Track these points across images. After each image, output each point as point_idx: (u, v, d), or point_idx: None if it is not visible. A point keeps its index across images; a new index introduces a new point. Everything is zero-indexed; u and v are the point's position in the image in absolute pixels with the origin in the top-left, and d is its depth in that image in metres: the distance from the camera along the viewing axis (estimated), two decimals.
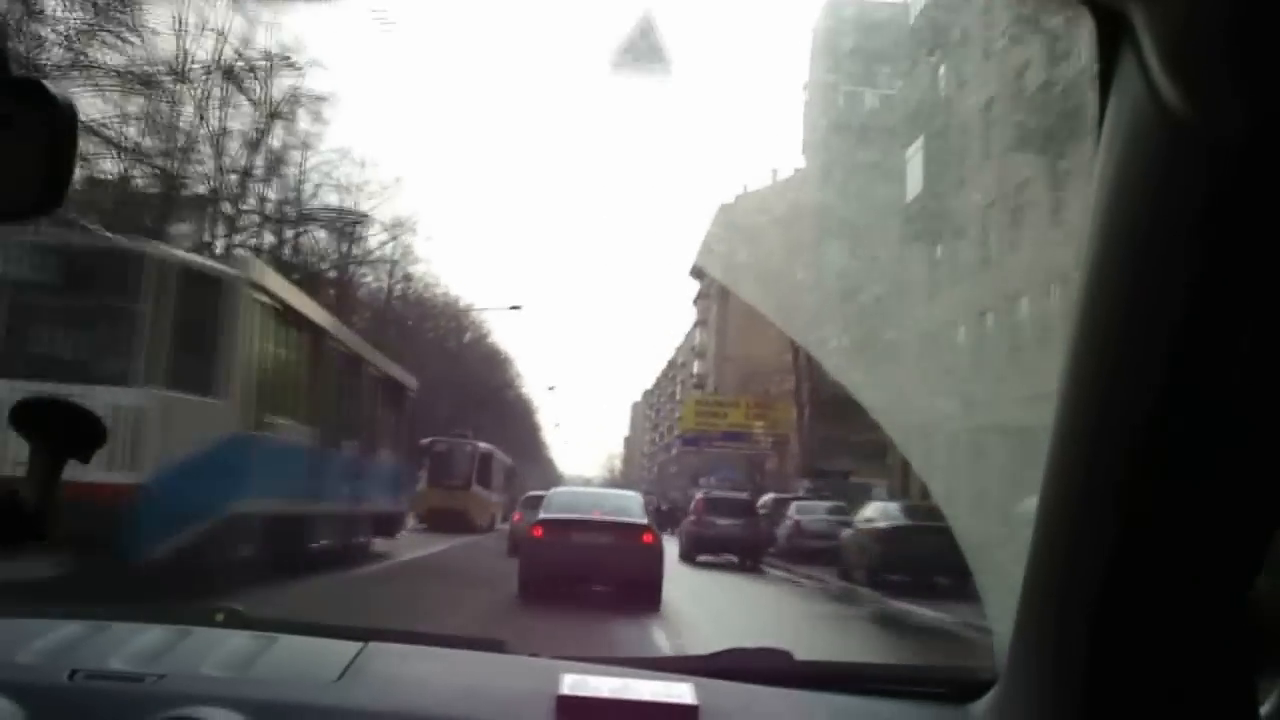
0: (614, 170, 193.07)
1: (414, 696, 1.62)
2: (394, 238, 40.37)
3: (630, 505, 15.21)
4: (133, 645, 1.67)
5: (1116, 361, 1.02)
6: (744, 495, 29.70)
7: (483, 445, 38.72)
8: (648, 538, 13.97)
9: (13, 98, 1.16)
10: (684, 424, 53.50)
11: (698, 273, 62.26)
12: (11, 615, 1.91)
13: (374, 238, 41.03)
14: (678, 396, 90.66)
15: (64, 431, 1.36)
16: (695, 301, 78.85)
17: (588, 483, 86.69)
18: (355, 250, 40.67)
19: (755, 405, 48.29)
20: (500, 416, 58.32)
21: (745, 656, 1.88)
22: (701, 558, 24.19)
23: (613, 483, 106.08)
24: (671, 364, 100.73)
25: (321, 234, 39.10)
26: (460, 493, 35.55)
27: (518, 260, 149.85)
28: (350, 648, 1.72)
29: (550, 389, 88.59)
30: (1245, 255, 0.89)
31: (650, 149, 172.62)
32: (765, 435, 48.28)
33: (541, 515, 14.47)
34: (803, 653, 1.88)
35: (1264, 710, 1.23)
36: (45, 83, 1.17)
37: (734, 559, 24.55)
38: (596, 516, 14.19)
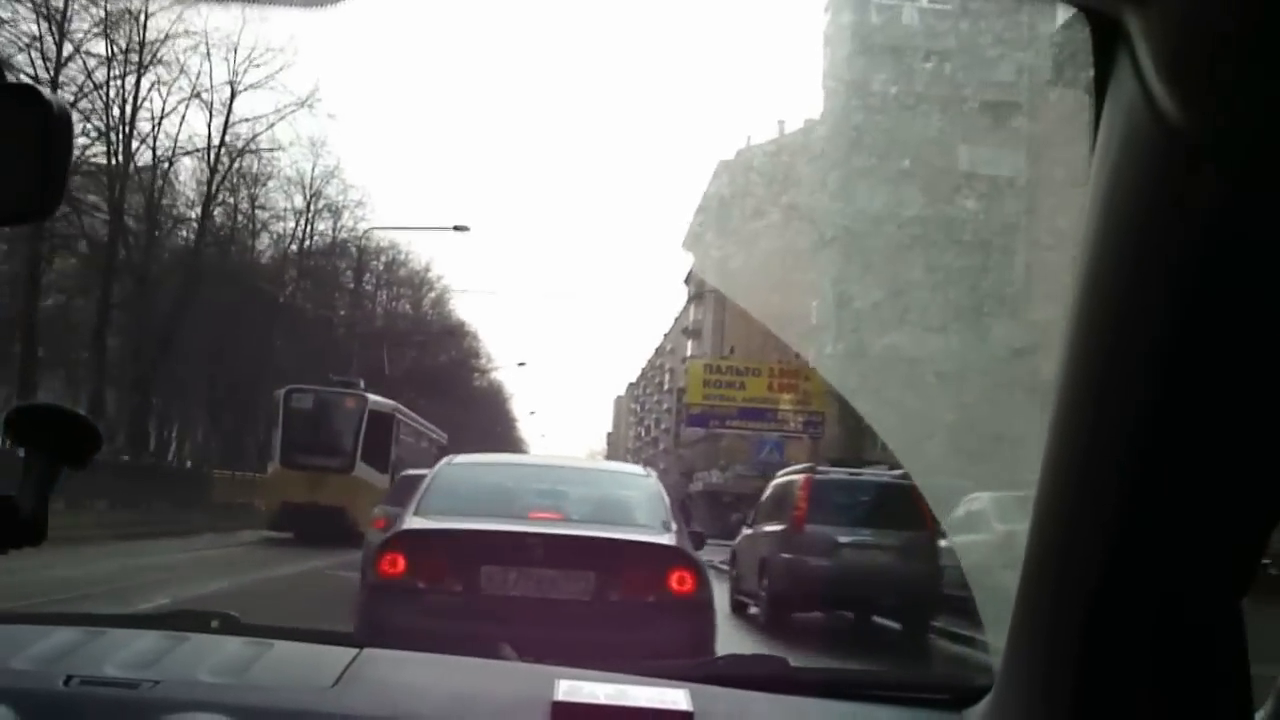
0: (599, 125, 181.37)
1: (409, 702, 1.64)
2: (282, 117, 34.47)
3: (633, 499, 6.63)
4: (128, 651, 1.68)
5: (1110, 369, 1.02)
6: (895, 475, 13.00)
7: (376, 399, 25.29)
8: (682, 578, 5.69)
9: (7, 101, 1.17)
10: (690, 397, 41.03)
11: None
12: (7, 621, 1.92)
13: (260, 120, 34.97)
14: (665, 386, 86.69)
15: (59, 438, 1.37)
16: (688, 278, 70.39)
17: None
18: (228, 137, 34.92)
19: (783, 373, 36.70)
20: (463, 400, 52.96)
21: (741, 663, 1.90)
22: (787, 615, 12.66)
23: None
24: (659, 351, 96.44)
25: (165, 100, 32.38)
26: (336, 478, 22.74)
27: (486, 232, 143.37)
28: (345, 654, 1.73)
29: (520, 364, 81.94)
30: (1239, 262, 0.89)
31: (643, 97, 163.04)
32: (795, 413, 36.75)
33: (408, 521, 6.10)
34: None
35: (1259, 715, 1.24)
36: (39, 87, 1.18)
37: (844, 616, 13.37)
38: (547, 530, 5.92)
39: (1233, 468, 1.00)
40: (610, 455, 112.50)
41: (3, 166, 1.16)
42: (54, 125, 1.16)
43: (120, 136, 31.40)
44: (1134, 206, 0.93)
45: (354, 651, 1.75)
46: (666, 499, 6.63)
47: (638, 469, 8.10)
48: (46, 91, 1.17)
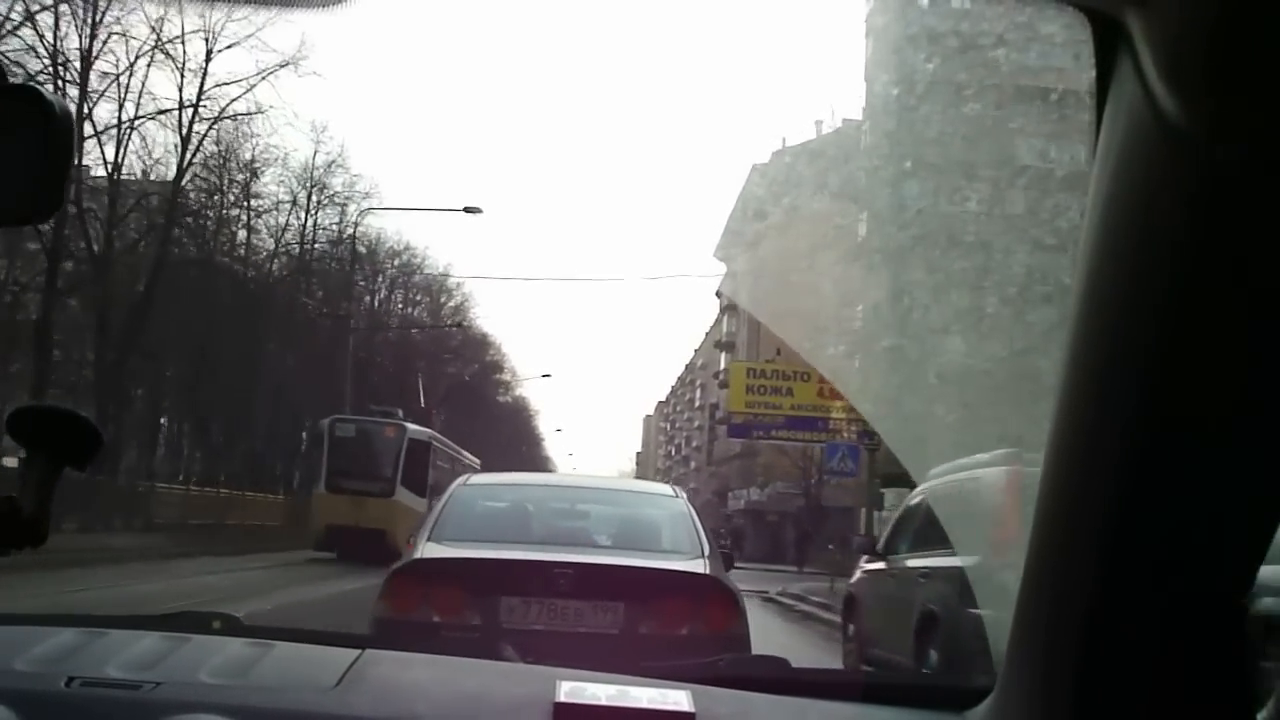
0: (630, 129, 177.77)
1: (411, 703, 1.64)
2: (263, 77, 30.92)
3: (657, 519, 6.33)
4: (130, 652, 1.68)
5: (1112, 370, 1.02)
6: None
7: (415, 429, 27.43)
8: (717, 609, 5.35)
9: (9, 104, 1.17)
10: (731, 404, 36.49)
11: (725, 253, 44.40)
12: (8, 622, 1.93)
13: (241, 82, 31.22)
14: (696, 403, 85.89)
15: (60, 439, 1.38)
16: (720, 289, 61.73)
17: None
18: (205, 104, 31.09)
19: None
20: (488, 416, 51.22)
21: (742, 664, 1.91)
22: None
23: None
24: (690, 367, 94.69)
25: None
26: (377, 502, 24.32)
27: (508, 237, 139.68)
28: (347, 654, 1.74)
29: (545, 376, 73.56)
30: (1241, 263, 0.89)
31: (676, 99, 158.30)
32: (849, 421, 32.52)
33: (419, 550, 5.67)
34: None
35: (1260, 717, 1.23)
36: (41, 89, 1.19)
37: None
38: (570, 552, 5.61)
39: (1234, 468, 1.00)
40: (639, 475, 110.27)
41: (6, 168, 1.17)
42: (55, 126, 1.16)
43: (65, 78, 27.52)
44: (1135, 206, 0.93)
45: (356, 652, 1.75)
46: (698, 521, 6.15)
47: (666, 488, 7.62)
48: (48, 92, 1.18)
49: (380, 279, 46.81)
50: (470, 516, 6.15)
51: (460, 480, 6.92)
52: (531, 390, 70.23)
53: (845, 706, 1.74)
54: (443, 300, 50.40)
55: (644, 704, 1.59)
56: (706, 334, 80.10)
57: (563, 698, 1.58)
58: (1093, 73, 0.97)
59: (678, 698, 1.61)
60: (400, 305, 49.82)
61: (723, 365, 62.32)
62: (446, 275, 49.37)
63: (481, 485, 7.09)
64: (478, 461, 32.28)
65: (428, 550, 5.65)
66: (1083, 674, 1.14)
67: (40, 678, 1.58)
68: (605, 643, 5.06)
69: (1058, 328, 1.12)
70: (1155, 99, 0.84)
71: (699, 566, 5.56)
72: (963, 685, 1.64)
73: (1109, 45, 0.92)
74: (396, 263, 46.61)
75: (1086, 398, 1.06)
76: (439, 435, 29.54)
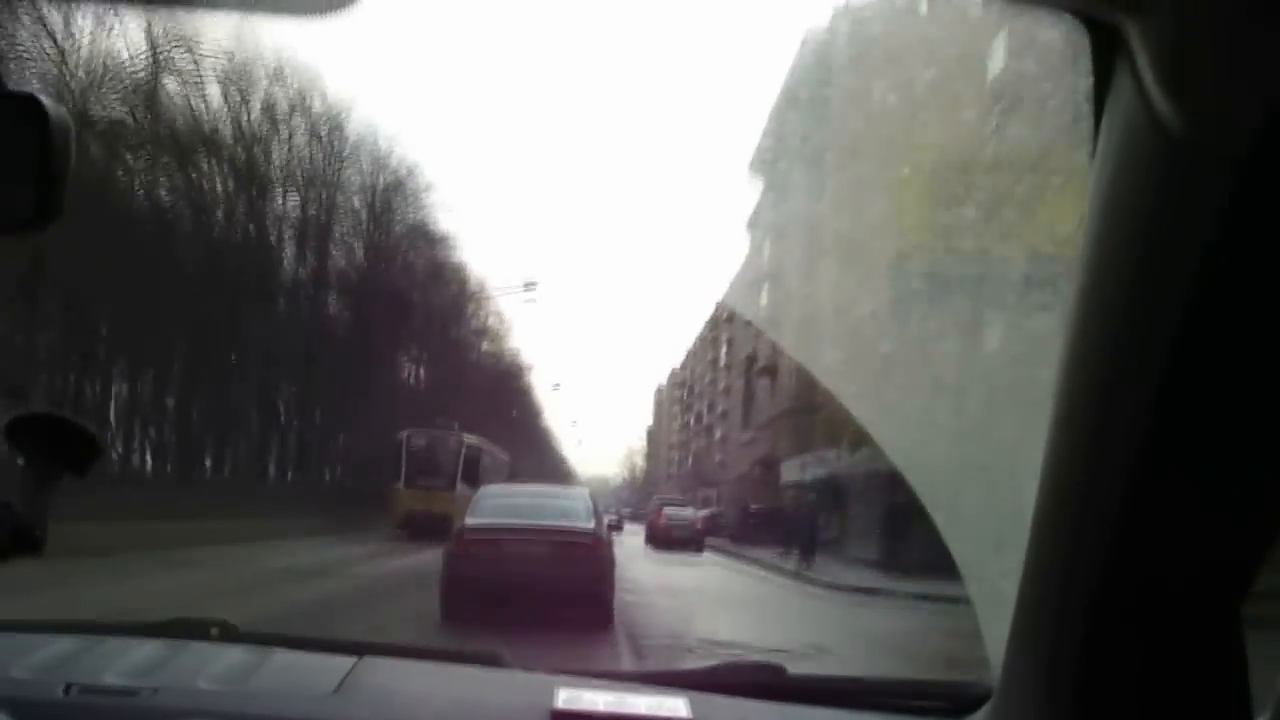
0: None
1: (409, 710, 1.65)
2: None
3: (576, 507, 13.04)
4: (128, 659, 1.70)
5: (1110, 374, 1.02)
6: None
7: (470, 438, 34.64)
8: (596, 547, 12.11)
9: (8, 111, 1.16)
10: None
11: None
12: (7, 629, 1.94)
13: None
14: (723, 362, 75.59)
15: (58, 447, 1.37)
16: (754, 219, 58.14)
17: (604, 483, 79.22)
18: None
19: None
20: (496, 404, 48.46)
21: (739, 671, 1.90)
22: None
23: (632, 483, 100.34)
24: (713, 322, 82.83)
25: None
26: (442, 494, 30.96)
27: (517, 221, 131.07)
28: (345, 661, 1.75)
29: (556, 386, 72.86)
30: (1238, 265, 0.89)
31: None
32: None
33: (467, 521, 12.44)
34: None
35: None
36: (40, 97, 1.18)
37: None
38: (532, 523, 12.13)
39: (1233, 471, 1.00)
40: (650, 454, 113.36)
41: (4, 176, 1.16)
42: (54, 134, 1.16)
43: None
44: (1133, 211, 0.94)
45: (354, 659, 1.76)
46: (594, 506, 13.22)
47: (583, 490, 15.54)
48: (47, 101, 1.17)
49: (370, 194, 39.38)
50: (488, 506, 12.95)
51: (481, 490, 14.77)
52: (521, 340, 66.07)
53: (842, 713, 1.74)
54: (445, 277, 44.45)
55: (642, 711, 1.60)
56: (732, 282, 73.32)
57: (560, 705, 1.59)
58: (1090, 80, 0.98)
59: (675, 704, 1.62)
60: (378, 231, 40.80)
61: (764, 302, 59.44)
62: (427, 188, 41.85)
63: (493, 492, 14.39)
64: (507, 455, 40.78)
65: (469, 521, 12.32)
66: (1083, 677, 1.15)
67: (39, 685, 1.59)
68: (544, 557, 11.51)
69: (1056, 332, 1.12)
70: (1152, 105, 0.85)
71: (590, 526, 12.28)
72: (961, 690, 1.64)
73: (1106, 52, 0.93)
74: (385, 176, 38.99)
75: (1085, 401, 1.06)
76: (486, 440, 36.69)
